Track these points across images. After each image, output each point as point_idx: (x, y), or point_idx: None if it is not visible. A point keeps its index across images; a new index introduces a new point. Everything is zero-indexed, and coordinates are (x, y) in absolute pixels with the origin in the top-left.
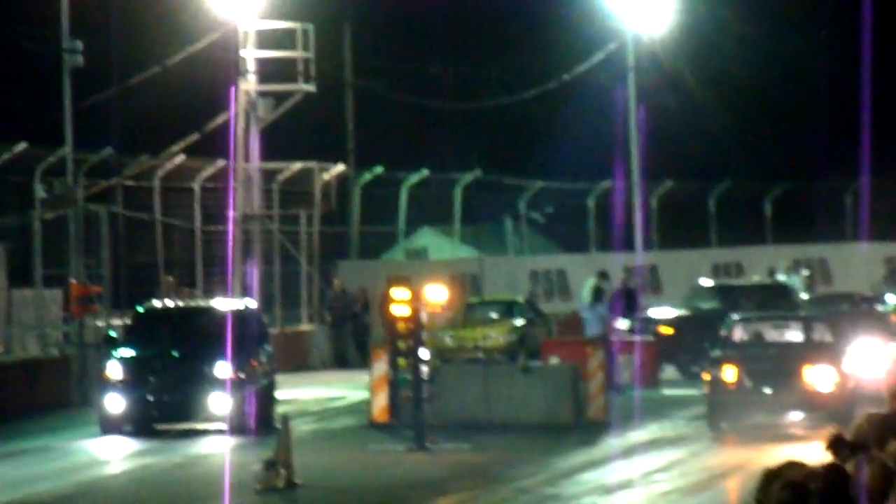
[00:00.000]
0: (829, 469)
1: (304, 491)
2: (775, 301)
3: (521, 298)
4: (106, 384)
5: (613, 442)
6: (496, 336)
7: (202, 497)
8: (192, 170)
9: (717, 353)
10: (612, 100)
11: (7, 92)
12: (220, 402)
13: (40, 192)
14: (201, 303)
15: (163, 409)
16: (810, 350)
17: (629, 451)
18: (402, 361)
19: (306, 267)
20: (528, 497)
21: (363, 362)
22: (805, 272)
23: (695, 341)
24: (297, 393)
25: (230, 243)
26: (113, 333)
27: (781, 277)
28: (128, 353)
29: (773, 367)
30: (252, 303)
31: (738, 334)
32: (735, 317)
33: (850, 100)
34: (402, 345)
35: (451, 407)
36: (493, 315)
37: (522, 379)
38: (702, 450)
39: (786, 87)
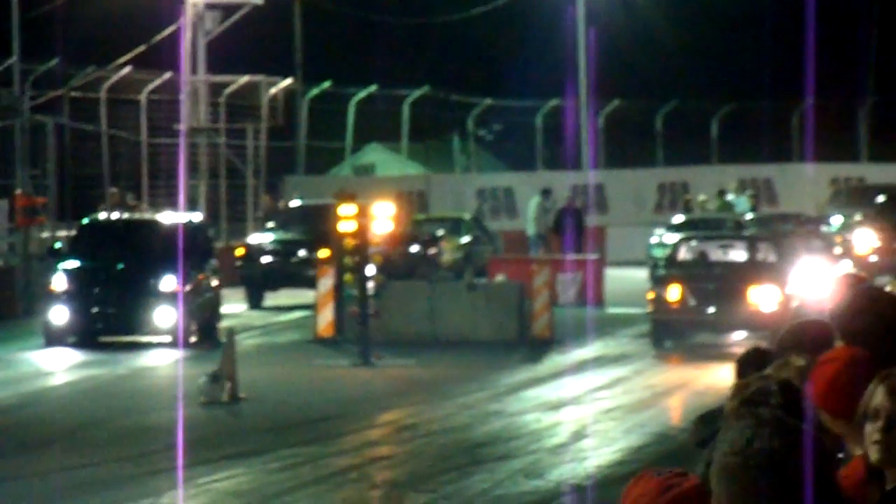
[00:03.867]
0: (782, 385)
1: (248, 405)
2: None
3: (467, 216)
4: (51, 296)
5: (558, 359)
6: (442, 253)
7: (146, 409)
8: (139, 82)
9: (661, 272)
10: (561, 17)
11: None
12: (164, 315)
13: None
14: (146, 216)
15: (107, 321)
16: (754, 270)
17: (574, 369)
18: (348, 277)
19: (252, 181)
20: (472, 413)
21: None
22: (750, 192)
23: None
24: (242, 307)
25: (181, 156)
26: (58, 245)
27: (730, 197)
28: (73, 265)
29: (717, 286)
30: (197, 216)
31: (683, 254)
32: (679, 236)
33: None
34: (348, 261)
35: (396, 323)
36: (440, 232)
37: (468, 296)
38: (645, 368)
39: (734, 6)
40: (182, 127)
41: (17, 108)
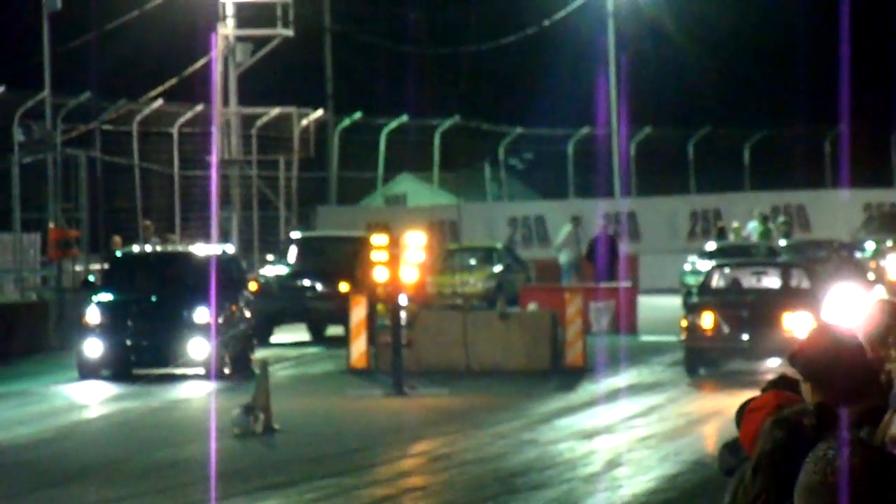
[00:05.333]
0: (819, 406)
1: (281, 436)
2: None
3: (499, 245)
4: (85, 329)
5: (591, 388)
6: (474, 282)
7: (181, 441)
8: (171, 115)
9: (694, 299)
10: (592, 46)
11: None
12: (198, 347)
13: (19, 136)
14: (179, 248)
15: (141, 353)
16: (788, 297)
17: (608, 397)
18: (380, 307)
19: (284, 212)
20: (505, 442)
21: None
22: (781, 218)
23: None
24: (276, 338)
25: (213, 188)
26: (91, 278)
27: (752, 224)
28: (106, 298)
29: (751, 313)
30: (230, 248)
31: (716, 281)
32: (712, 263)
33: (829, 46)
34: (380, 291)
35: (429, 353)
36: (472, 261)
37: (501, 325)
38: (679, 396)
39: (766, 33)
40: (214, 159)
41: (50, 142)
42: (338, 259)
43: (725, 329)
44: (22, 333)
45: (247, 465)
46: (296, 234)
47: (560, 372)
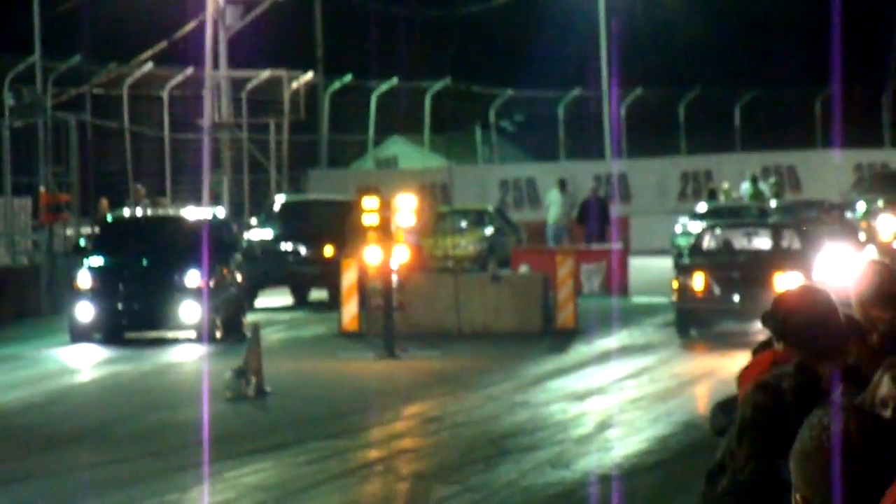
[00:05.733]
0: (798, 367)
1: (273, 399)
2: None
3: (490, 207)
4: (76, 293)
5: (583, 349)
6: (466, 245)
7: (173, 405)
8: (161, 78)
9: (685, 261)
10: (582, 7)
11: None
12: (189, 310)
13: (9, 99)
14: (170, 212)
15: (132, 317)
16: (778, 257)
17: (599, 359)
18: (371, 270)
19: (275, 176)
20: (497, 404)
21: None
22: (773, 179)
23: None
24: (267, 301)
25: (205, 151)
26: (82, 242)
27: (745, 185)
28: (97, 262)
29: (742, 274)
30: (221, 212)
31: (707, 242)
32: (703, 225)
33: (820, 6)
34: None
35: (420, 315)
36: (463, 224)
37: (492, 287)
38: (671, 357)
39: None
40: (204, 122)
41: (40, 105)
42: (322, 223)
43: (716, 290)
44: (13, 298)
45: (239, 428)
46: (280, 198)
47: (551, 334)
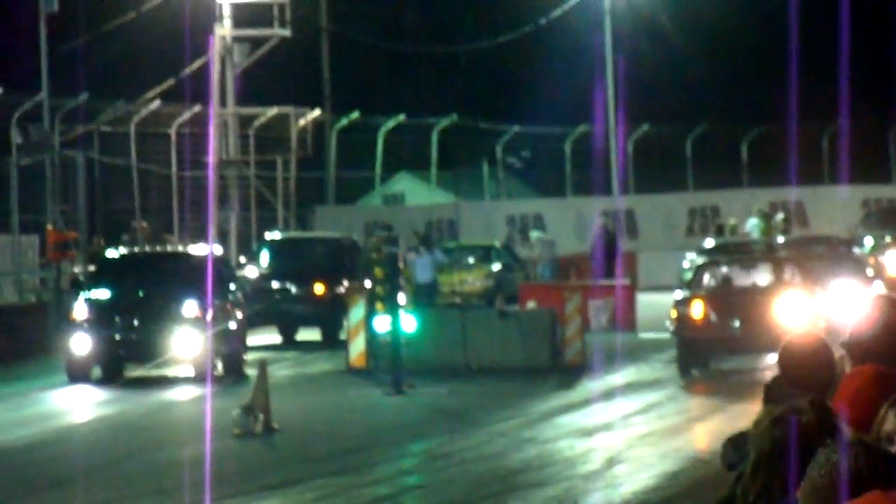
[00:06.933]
0: (813, 403)
1: (281, 436)
2: None
3: (497, 243)
4: (72, 325)
5: (591, 385)
6: (473, 281)
7: (180, 442)
8: (168, 115)
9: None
10: (588, 44)
11: None
12: (187, 341)
13: (16, 137)
14: (168, 248)
15: (129, 348)
16: (779, 291)
17: (607, 395)
18: (379, 306)
19: (283, 212)
20: (505, 440)
21: None
22: (781, 216)
23: None
24: (275, 338)
25: (210, 188)
26: (81, 277)
27: (753, 221)
28: (94, 294)
29: (741, 310)
30: (218, 249)
31: (707, 280)
32: (700, 261)
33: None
34: (379, 290)
35: (428, 352)
36: (470, 260)
37: (499, 323)
38: (678, 392)
39: (762, 29)
40: (211, 159)
41: (47, 143)
42: (313, 261)
43: (715, 320)
44: (21, 335)
45: (247, 465)
46: (271, 236)
47: (559, 370)
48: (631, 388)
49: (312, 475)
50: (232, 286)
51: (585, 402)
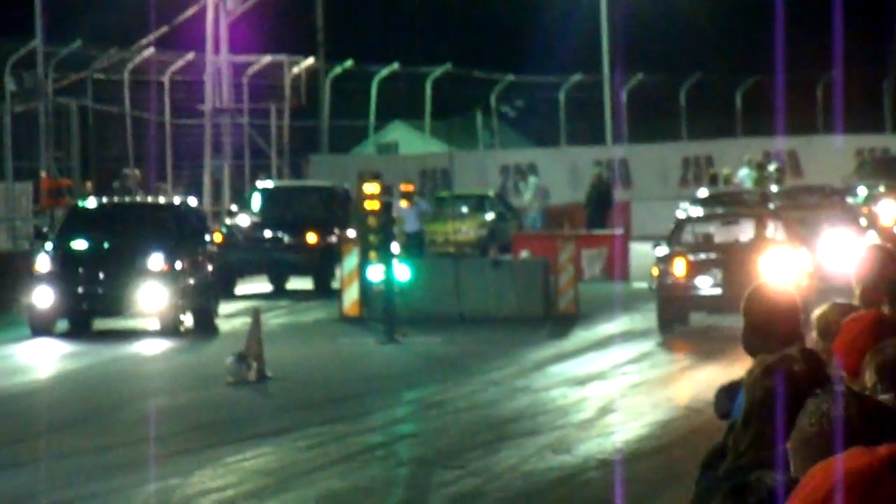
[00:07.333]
0: (804, 352)
1: (275, 383)
2: None
3: (491, 193)
4: (35, 277)
5: (584, 334)
6: (466, 230)
7: (174, 390)
8: (162, 63)
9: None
10: None
11: None
12: (153, 295)
13: (10, 85)
14: (138, 199)
15: (93, 301)
16: (760, 247)
17: (600, 344)
18: (372, 255)
19: (276, 161)
20: (498, 389)
21: None
22: (774, 165)
23: None
24: (266, 287)
25: (206, 137)
26: (44, 228)
27: (744, 170)
28: (60, 246)
29: (723, 265)
30: (192, 201)
31: (685, 235)
32: (682, 215)
33: None
34: (372, 238)
35: (421, 301)
36: (464, 209)
37: (493, 273)
38: (671, 341)
39: None
40: (205, 107)
41: (41, 90)
42: (305, 210)
43: (697, 278)
44: (14, 282)
45: (240, 413)
46: (262, 184)
47: (552, 319)
48: (624, 337)
49: (306, 423)
50: (206, 237)
51: (578, 352)
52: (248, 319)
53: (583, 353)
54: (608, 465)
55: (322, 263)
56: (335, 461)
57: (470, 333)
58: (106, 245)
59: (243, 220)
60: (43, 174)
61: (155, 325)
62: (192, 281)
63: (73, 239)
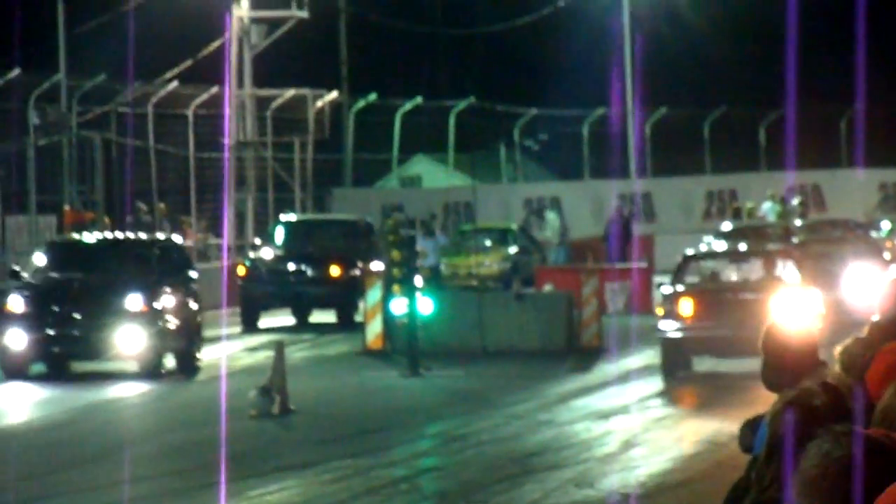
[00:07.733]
0: (824, 386)
1: (298, 417)
2: None
3: (514, 226)
4: (6, 318)
5: (607, 368)
6: (490, 264)
7: (198, 423)
8: (186, 96)
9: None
10: (606, 26)
11: (0, 18)
12: (130, 337)
13: (34, 118)
14: (118, 235)
15: (67, 344)
16: (771, 290)
17: (623, 378)
18: (396, 289)
19: (300, 195)
20: (521, 423)
21: None
22: (797, 199)
23: None
24: (289, 321)
25: (227, 170)
26: (16, 267)
27: (767, 205)
28: (34, 285)
29: (729, 307)
30: (176, 238)
31: (690, 275)
32: (689, 252)
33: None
34: (396, 272)
35: (445, 334)
36: (487, 243)
37: (516, 306)
38: (695, 375)
39: (781, 12)
40: (228, 141)
41: (65, 124)
42: (328, 243)
43: (705, 319)
44: None
45: (263, 446)
46: (286, 217)
47: (576, 352)
48: (648, 371)
49: (329, 457)
50: (192, 274)
51: (602, 385)
52: (271, 353)
53: (606, 386)
54: (631, 499)
55: (345, 297)
56: (359, 494)
57: (493, 367)
58: (83, 283)
59: (267, 254)
60: (66, 207)
61: (132, 366)
62: (173, 321)
63: (48, 277)
